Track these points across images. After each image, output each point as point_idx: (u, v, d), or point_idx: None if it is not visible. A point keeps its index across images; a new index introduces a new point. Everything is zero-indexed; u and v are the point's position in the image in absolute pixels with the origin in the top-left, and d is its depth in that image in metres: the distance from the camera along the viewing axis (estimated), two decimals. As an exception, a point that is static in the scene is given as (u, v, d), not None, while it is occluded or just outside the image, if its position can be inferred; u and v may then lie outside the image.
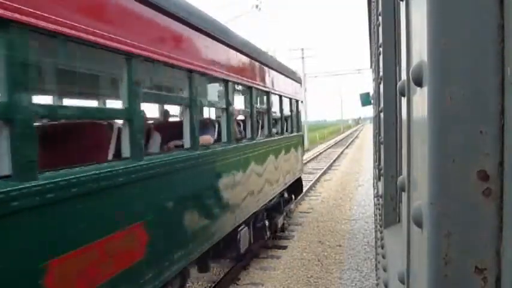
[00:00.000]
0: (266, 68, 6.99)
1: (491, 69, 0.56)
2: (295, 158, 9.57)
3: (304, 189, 13.38)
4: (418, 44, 0.71)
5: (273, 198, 7.63)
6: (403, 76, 0.94)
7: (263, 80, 6.79)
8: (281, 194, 8.50)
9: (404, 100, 0.92)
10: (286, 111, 9.06)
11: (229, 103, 5.11)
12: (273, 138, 7.34)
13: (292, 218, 10.36)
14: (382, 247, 2.24)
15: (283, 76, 8.41)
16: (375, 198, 4.47)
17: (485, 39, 0.56)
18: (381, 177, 2.64)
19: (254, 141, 6.18)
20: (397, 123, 2.09)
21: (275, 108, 8.05)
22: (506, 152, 0.55)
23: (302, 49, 37.82)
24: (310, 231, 9.09)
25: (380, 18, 2.34)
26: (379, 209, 3.10)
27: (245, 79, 5.76)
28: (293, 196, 10.06)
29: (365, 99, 12.99)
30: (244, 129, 6.33)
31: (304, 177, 16.68)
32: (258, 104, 7.14)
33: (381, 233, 2.53)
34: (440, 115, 0.59)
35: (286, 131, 9.00)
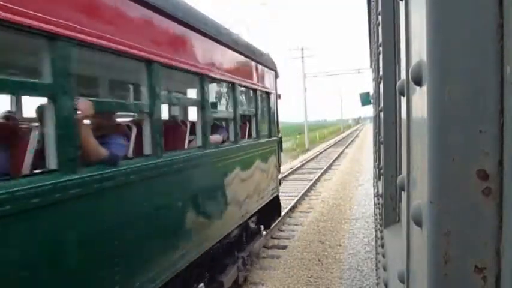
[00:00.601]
0: (199, 37, 4.25)
1: (491, 69, 0.56)
2: (264, 174, 6.75)
3: (304, 189, 13.42)
4: (417, 43, 0.71)
5: (229, 234, 5.25)
6: (403, 75, 0.94)
7: (191, 56, 4.06)
8: (245, 225, 6.26)
9: (404, 99, 0.92)
10: (249, 108, 6.25)
11: (60, 86, 2.32)
12: (212, 150, 4.50)
13: (292, 218, 10.37)
14: (382, 246, 2.24)
15: (240, 56, 5.61)
16: (375, 198, 4.48)
17: (485, 39, 0.56)
18: (381, 177, 2.64)
19: (158, 160, 3.35)
20: (396, 122, 2.09)
21: (224, 103, 5.75)
22: (506, 151, 0.55)
23: (302, 49, 37.83)
24: (310, 231, 9.09)
25: (379, 17, 2.34)
26: (379, 209, 3.10)
27: (132, 44, 3.02)
28: (262, 227, 7.38)
29: (365, 99, 13.00)
30: (139, 139, 3.44)
31: (304, 177, 16.81)
32: (181, 96, 5.04)
33: (381, 232, 2.53)
34: (439, 114, 0.59)
35: (249, 136, 6.26)
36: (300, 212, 11.05)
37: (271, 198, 7.21)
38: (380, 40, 2.37)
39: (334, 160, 22.81)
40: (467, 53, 0.57)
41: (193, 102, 4.60)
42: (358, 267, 6.91)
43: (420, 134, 0.68)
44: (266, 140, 6.87)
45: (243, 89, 5.85)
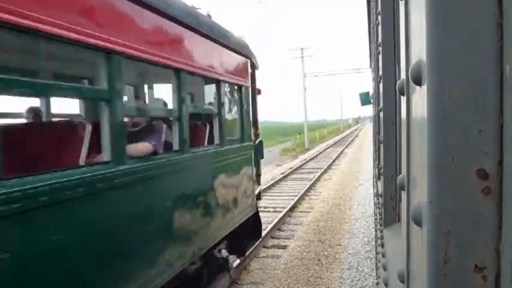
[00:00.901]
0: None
1: (490, 68, 0.56)
2: (233, 191, 5.25)
3: (304, 189, 13.42)
4: (417, 42, 0.71)
5: (172, 280, 3.68)
6: (403, 75, 0.94)
7: (87, 22, 2.63)
8: (206, 258, 4.77)
9: (403, 99, 0.92)
10: (208, 105, 5.12)
11: None
12: (131, 166, 3.04)
13: (292, 218, 10.37)
14: (382, 246, 2.24)
15: (193, 34, 4.16)
16: (375, 198, 4.47)
17: (484, 38, 0.56)
18: (381, 177, 2.64)
19: None
20: (396, 122, 2.09)
21: (163, 98, 4.61)
22: (506, 151, 0.55)
23: (302, 49, 37.85)
24: (310, 231, 9.09)
25: (379, 17, 2.34)
26: (379, 208, 3.10)
27: None
28: (230, 258, 5.44)
29: (365, 99, 13.03)
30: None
31: (304, 176, 16.82)
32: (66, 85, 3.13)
33: (381, 232, 2.53)
34: (439, 114, 0.59)
35: (210, 143, 4.85)
36: (300, 211, 11.05)
37: (245, 219, 5.71)
38: (380, 40, 2.37)
39: (334, 160, 22.83)
40: (466, 53, 0.57)
41: (92, 93, 3.02)
42: (358, 266, 6.91)
43: (420, 134, 0.68)
44: (236, 146, 5.34)
45: (196, 78, 4.38)
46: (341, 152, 27.82)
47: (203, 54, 4.45)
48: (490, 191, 0.57)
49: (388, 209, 2.28)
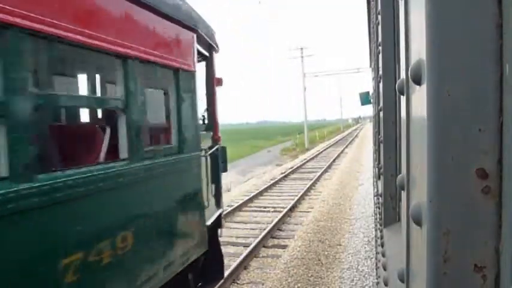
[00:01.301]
0: None
1: (490, 68, 0.56)
2: (163, 229, 3.47)
3: (305, 188, 13.43)
4: (416, 42, 0.71)
5: None
6: (402, 75, 0.94)
7: None
8: None
9: (403, 99, 0.92)
10: (103, 95, 4.09)
11: None
12: None
13: (292, 218, 10.37)
14: (382, 246, 2.24)
15: None
16: (375, 197, 4.47)
17: (484, 38, 0.56)
18: (381, 176, 2.64)
19: None
20: (396, 121, 2.09)
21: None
22: (505, 150, 0.55)
23: (301, 48, 37.87)
24: (310, 231, 9.09)
25: (379, 17, 2.34)
26: (379, 208, 3.10)
27: None
28: None
29: (365, 98, 13.05)
30: None
31: (304, 176, 16.83)
32: None
33: (381, 231, 2.53)
34: (439, 113, 0.59)
35: (112, 158, 3.10)
36: (300, 211, 11.05)
37: (187, 263, 3.93)
38: (380, 39, 2.37)
39: (334, 160, 22.83)
40: (466, 52, 0.57)
41: None
42: (358, 266, 6.92)
43: (420, 133, 0.68)
44: (169, 159, 3.57)
45: (74, 50, 2.84)
46: (341, 152, 27.83)
47: (89, 12, 2.66)
48: (490, 190, 0.57)
49: (388, 209, 2.28)
